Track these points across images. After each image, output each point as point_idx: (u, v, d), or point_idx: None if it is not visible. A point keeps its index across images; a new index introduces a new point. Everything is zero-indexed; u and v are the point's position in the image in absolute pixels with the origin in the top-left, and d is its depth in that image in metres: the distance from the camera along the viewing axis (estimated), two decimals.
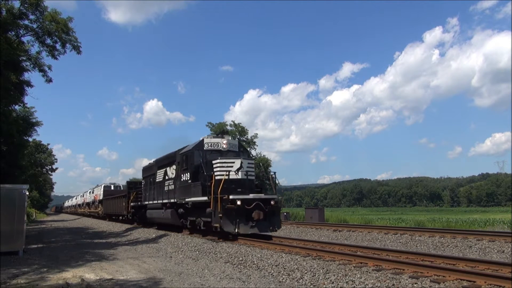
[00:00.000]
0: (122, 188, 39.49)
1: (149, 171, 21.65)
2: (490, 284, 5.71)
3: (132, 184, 26.39)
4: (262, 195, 13.33)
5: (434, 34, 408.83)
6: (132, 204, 24.24)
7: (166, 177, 17.66)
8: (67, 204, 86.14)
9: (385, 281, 6.24)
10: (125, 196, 26.16)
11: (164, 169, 18.19)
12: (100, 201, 38.53)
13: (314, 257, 8.87)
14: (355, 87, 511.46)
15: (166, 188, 17.38)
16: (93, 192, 45.59)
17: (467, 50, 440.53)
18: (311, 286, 6.61)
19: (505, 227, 23.05)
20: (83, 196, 55.20)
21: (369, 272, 6.89)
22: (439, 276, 6.41)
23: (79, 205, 58.89)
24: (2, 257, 10.40)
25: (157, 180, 19.23)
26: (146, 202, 20.56)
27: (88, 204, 48.30)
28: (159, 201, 18.00)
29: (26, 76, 18.55)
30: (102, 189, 39.36)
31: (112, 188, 39.61)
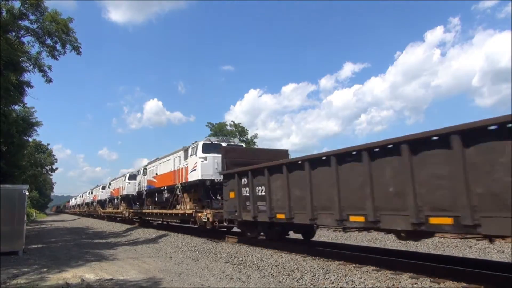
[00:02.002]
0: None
1: None
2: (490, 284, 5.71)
3: None
4: None
5: (435, 34, 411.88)
6: None
7: None
8: (73, 202, 66.91)
9: (385, 281, 6.24)
10: None
11: None
12: (198, 186, 15.01)
13: (314, 257, 8.86)
14: (356, 86, 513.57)
15: None
16: (144, 173, 22.68)
17: (468, 50, 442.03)
18: (311, 286, 6.62)
19: None
20: (109, 187, 33.61)
21: (369, 272, 6.89)
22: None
23: (100, 202, 37.62)
24: (2, 257, 10.40)
25: None
26: None
27: (126, 199, 26.99)
28: None
29: (26, 76, 18.55)
30: (200, 148, 14.89)
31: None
